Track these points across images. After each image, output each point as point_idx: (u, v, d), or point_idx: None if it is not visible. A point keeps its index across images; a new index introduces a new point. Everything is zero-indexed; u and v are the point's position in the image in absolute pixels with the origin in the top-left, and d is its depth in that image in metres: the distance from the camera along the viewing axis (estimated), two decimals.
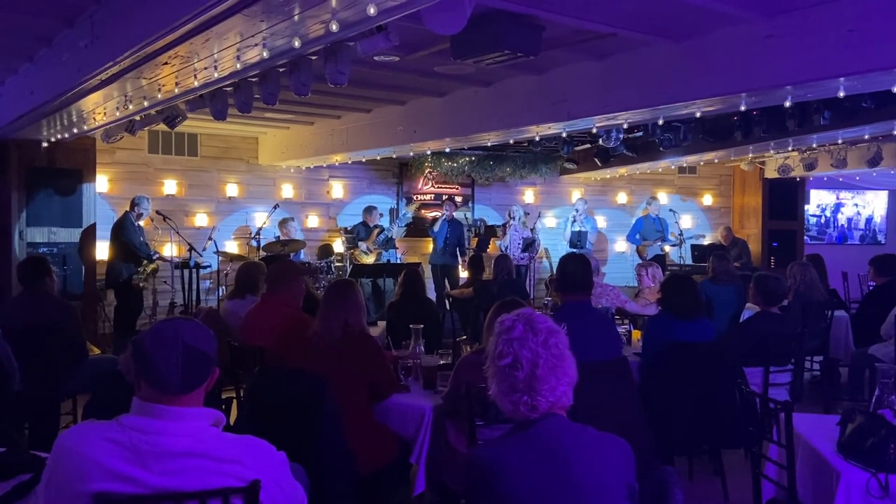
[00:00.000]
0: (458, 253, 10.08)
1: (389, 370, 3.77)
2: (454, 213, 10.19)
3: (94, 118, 6.24)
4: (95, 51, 4.50)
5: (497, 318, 3.29)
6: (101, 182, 8.67)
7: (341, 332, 3.57)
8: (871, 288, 7.09)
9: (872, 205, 13.35)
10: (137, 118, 6.27)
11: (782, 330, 4.72)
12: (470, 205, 11.23)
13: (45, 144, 7.61)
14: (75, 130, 6.84)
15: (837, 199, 13.22)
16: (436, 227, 9.93)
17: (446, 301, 7.98)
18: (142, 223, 8.16)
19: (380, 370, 3.63)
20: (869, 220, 13.38)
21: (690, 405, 4.11)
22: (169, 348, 1.81)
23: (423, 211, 10.90)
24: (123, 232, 7.84)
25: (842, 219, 13.29)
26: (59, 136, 7.29)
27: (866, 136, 8.19)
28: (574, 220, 10.59)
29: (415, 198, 10.89)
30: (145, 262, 7.93)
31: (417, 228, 10.76)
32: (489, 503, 1.84)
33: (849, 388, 6.00)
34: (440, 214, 10.08)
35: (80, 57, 4.74)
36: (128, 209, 8.04)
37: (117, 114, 5.84)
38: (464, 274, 9.57)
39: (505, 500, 1.81)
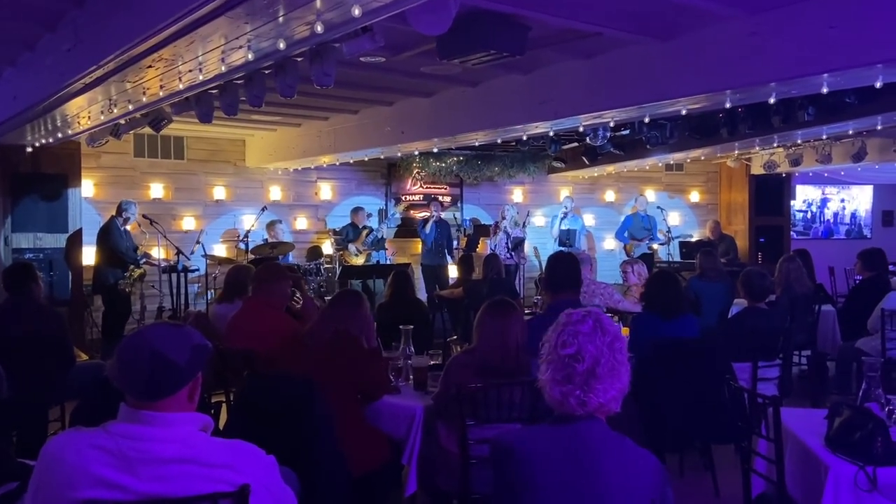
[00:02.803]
0: (446, 253, 10.08)
1: (380, 372, 3.76)
2: (441, 214, 10.19)
3: (79, 122, 6.19)
4: (78, 55, 4.47)
5: (489, 317, 3.32)
6: (87, 187, 8.61)
7: (330, 336, 3.57)
8: (857, 282, 7.16)
9: (857, 199, 13.46)
10: (122, 122, 6.22)
11: (770, 325, 4.75)
12: (459, 205, 11.24)
13: (29, 149, 7.55)
14: (60, 135, 6.78)
15: (823, 194, 13.32)
16: (427, 229, 9.93)
17: (436, 301, 7.98)
18: (129, 228, 8.11)
19: (370, 372, 3.63)
20: (854, 215, 13.49)
21: (680, 401, 4.14)
22: (136, 355, 1.80)
23: (411, 211, 10.90)
24: (109, 237, 7.79)
25: (828, 214, 13.39)
26: (43, 141, 7.24)
27: (850, 132, 8.27)
28: (564, 217, 10.61)
29: (403, 198, 10.88)
30: (132, 267, 7.88)
31: (407, 229, 10.76)
32: (512, 484, 1.85)
33: (836, 382, 6.05)
34: (429, 216, 10.08)
35: (63, 61, 4.71)
36: (114, 214, 7.99)
37: (102, 118, 5.80)
38: (454, 274, 9.57)
39: (527, 484, 1.82)
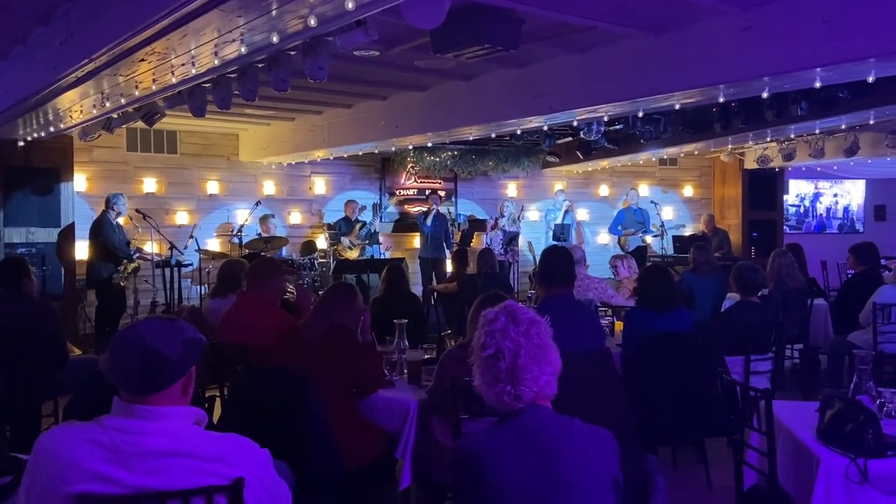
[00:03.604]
0: (444, 246, 10.09)
1: (374, 366, 3.76)
2: (440, 207, 10.21)
3: (71, 116, 6.16)
4: (71, 48, 4.44)
5: (481, 312, 3.32)
6: (80, 181, 8.57)
7: (324, 330, 3.57)
8: (849, 276, 7.19)
9: (850, 194, 13.52)
10: (115, 116, 6.20)
11: (762, 319, 4.77)
12: (453, 199, 11.23)
13: (21, 143, 7.51)
14: (52, 129, 6.75)
15: (816, 188, 13.37)
16: (428, 221, 9.95)
17: (431, 296, 7.99)
18: (120, 221, 8.08)
19: (364, 366, 3.63)
20: (847, 209, 13.55)
21: (673, 395, 4.15)
22: (129, 349, 1.79)
23: (406, 206, 10.89)
24: (102, 232, 7.76)
25: (820, 208, 13.44)
26: (35, 135, 7.20)
27: (843, 126, 8.29)
28: (567, 212, 10.64)
29: (398, 193, 10.87)
30: (125, 261, 7.85)
31: (402, 223, 10.76)
32: (476, 494, 1.85)
33: (828, 375, 6.08)
34: (429, 209, 10.10)
35: (55, 55, 4.68)
36: (105, 208, 7.95)
37: (94, 111, 5.77)
38: (451, 268, 9.59)
39: (491, 489, 1.82)
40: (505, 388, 1.86)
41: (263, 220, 9.39)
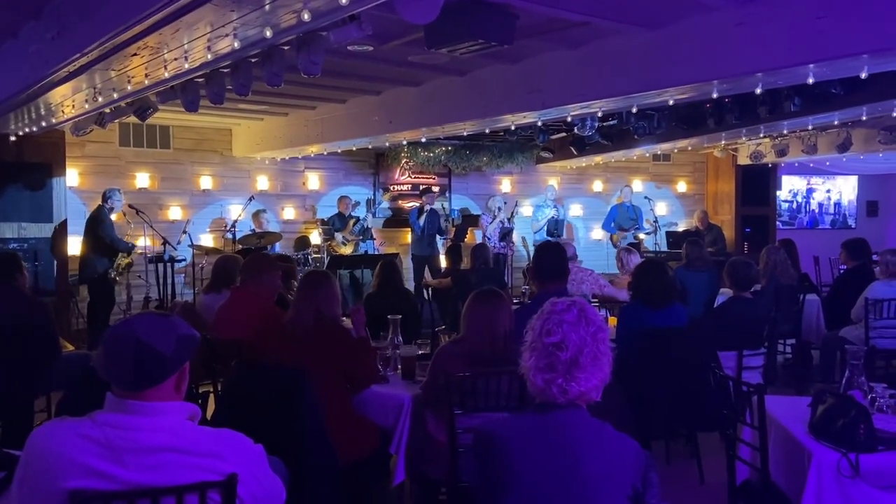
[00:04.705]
0: (436, 243, 10.09)
1: (367, 361, 3.76)
2: (433, 205, 10.20)
3: (63, 111, 6.13)
4: (63, 42, 4.42)
5: (477, 307, 3.32)
6: (72, 176, 8.53)
7: (314, 322, 3.56)
8: (841, 272, 7.22)
9: (843, 190, 13.57)
10: (107, 110, 6.17)
11: (755, 314, 4.79)
12: (447, 195, 11.23)
13: (12, 138, 7.47)
14: (44, 123, 6.71)
15: (808, 184, 13.42)
16: (420, 221, 9.95)
17: (425, 291, 8.00)
18: (113, 217, 8.05)
19: (357, 361, 3.63)
20: (839, 205, 13.60)
21: (666, 390, 4.17)
22: (122, 345, 1.79)
23: (400, 202, 10.88)
24: (100, 226, 7.74)
25: (813, 204, 13.49)
26: (27, 130, 7.16)
27: (836, 122, 8.32)
28: (556, 208, 10.66)
29: (392, 188, 10.85)
30: (121, 255, 7.84)
31: (396, 219, 10.75)
32: (495, 476, 1.86)
33: (820, 371, 6.11)
34: (422, 206, 10.09)
35: (47, 49, 4.66)
36: (101, 203, 7.93)
37: (86, 106, 5.75)
38: (445, 263, 9.59)
39: (511, 476, 1.83)
40: (557, 378, 1.86)
41: (256, 215, 9.38)
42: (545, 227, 10.56)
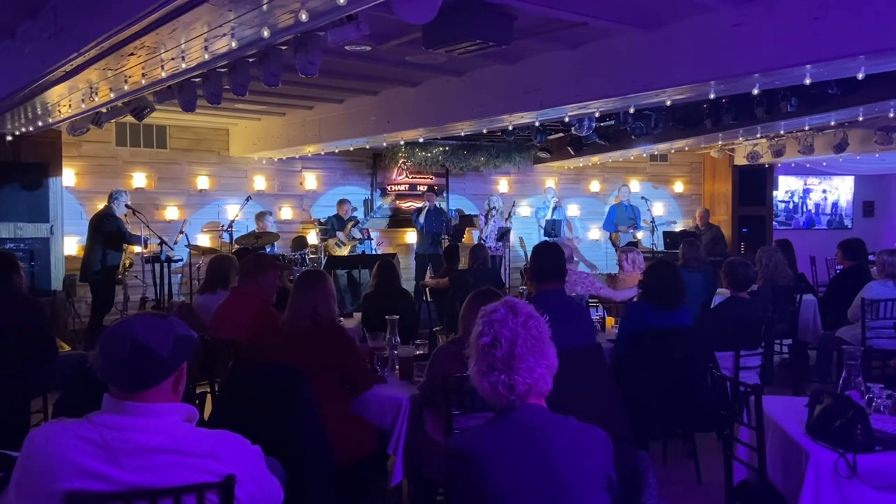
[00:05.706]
0: (441, 242, 10.09)
1: (363, 362, 3.76)
2: (435, 203, 10.22)
3: (60, 111, 6.11)
4: (59, 42, 4.41)
5: (473, 308, 3.32)
6: (68, 176, 8.52)
7: (310, 322, 3.56)
8: (838, 272, 7.23)
9: (839, 190, 13.59)
10: (104, 110, 6.16)
11: (752, 314, 4.79)
12: (445, 195, 11.23)
13: (9, 138, 7.46)
14: (40, 123, 6.70)
15: (805, 184, 13.44)
16: (420, 219, 9.95)
17: (423, 291, 7.99)
18: None
19: (354, 362, 3.63)
20: (835, 205, 13.63)
21: (664, 390, 4.17)
22: (119, 346, 1.78)
23: (397, 202, 10.88)
24: (111, 221, 7.76)
25: (809, 204, 13.52)
26: (23, 130, 7.15)
27: (832, 123, 8.34)
28: (556, 208, 10.67)
29: (389, 188, 10.85)
30: (126, 252, 7.88)
31: (396, 220, 10.75)
32: (467, 490, 1.85)
33: (817, 371, 6.13)
34: (423, 205, 10.08)
35: (43, 48, 4.65)
36: (108, 203, 7.93)
37: (83, 106, 5.73)
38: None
39: (483, 487, 1.82)
40: (500, 376, 1.86)
41: (259, 216, 9.35)
42: (543, 228, 10.57)
